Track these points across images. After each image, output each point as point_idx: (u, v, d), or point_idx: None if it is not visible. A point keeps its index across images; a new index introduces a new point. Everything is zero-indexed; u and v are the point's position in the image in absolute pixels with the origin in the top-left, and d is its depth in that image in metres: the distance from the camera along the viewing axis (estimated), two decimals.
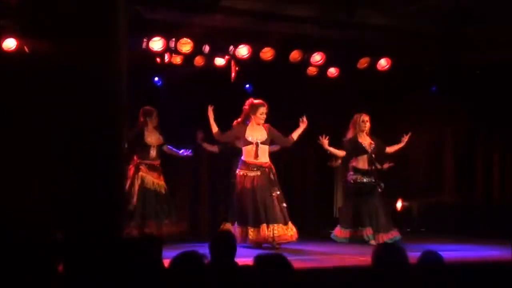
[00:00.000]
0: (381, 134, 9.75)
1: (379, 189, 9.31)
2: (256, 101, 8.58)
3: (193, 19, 8.22)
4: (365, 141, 9.41)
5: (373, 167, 9.36)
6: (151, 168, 9.02)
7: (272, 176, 8.51)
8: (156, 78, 10.18)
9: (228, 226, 8.74)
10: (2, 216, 3.01)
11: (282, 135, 8.72)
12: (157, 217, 8.92)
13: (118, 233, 5.55)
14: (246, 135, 8.50)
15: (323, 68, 9.90)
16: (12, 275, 3.08)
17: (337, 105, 11.15)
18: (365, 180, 9.34)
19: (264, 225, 8.29)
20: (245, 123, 8.61)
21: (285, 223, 8.37)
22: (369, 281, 3.95)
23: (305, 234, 10.04)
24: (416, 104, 11.05)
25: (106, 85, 5.63)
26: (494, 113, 10.70)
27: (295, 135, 8.68)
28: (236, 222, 8.52)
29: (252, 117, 8.56)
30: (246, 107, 8.62)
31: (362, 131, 9.37)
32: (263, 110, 8.52)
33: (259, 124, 8.56)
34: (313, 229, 10.98)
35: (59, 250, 4.11)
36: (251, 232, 8.33)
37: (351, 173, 9.41)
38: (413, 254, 4.11)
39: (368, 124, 9.37)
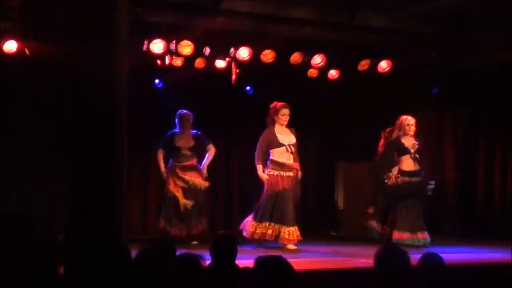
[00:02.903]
0: (380, 136, 9.75)
1: (427, 190, 9.32)
2: (279, 103, 8.80)
3: (194, 21, 8.22)
4: (408, 142, 9.35)
5: (419, 168, 9.30)
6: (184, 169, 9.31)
7: (298, 178, 8.80)
8: (157, 81, 10.19)
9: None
10: (3, 217, 3.01)
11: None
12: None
13: (119, 236, 5.55)
14: (278, 138, 8.73)
15: (323, 70, 9.90)
16: (13, 277, 3.09)
17: (337, 107, 11.16)
18: (411, 179, 9.25)
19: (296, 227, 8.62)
20: (269, 126, 8.82)
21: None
22: (370, 283, 3.95)
23: (306, 235, 10.05)
24: (417, 106, 11.06)
25: (107, 87, 5.63)
26: (495, 114, 10.70)
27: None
28: (264, 220, 8.62)
29: (276, 119, 8.75)
30: (270, 110, 8.82)
31: (406, 134, 9.33)
32: (285, 111, 8.75)
33: (282, 125, 8.77)
34: (314, 230, 10.99)
35: (60, 252, 4.11)
36: (286, 232, 8.53)
37: (395, 174, 9.28)
38: (414, 256, 4.11)
39: (413, 128, 9.33)
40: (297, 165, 8.77)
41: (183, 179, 9.23)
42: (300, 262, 6.57)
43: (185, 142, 9.31)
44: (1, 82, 8.91)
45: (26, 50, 8.42)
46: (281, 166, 8.69)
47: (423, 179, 9.30)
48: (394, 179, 9.19)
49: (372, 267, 3.88)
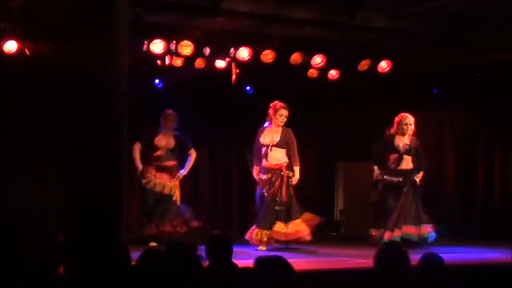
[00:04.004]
0: (380, 136, 9.76)
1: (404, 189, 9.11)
2: (279, 103, 8.68)
3: (194, 22, 8.22)
4: (401, 141, 9.18)
5: (402, 168, 9.14)
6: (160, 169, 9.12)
7: (280, 179, 8.54)
8: (157, 81, 10.19)
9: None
10: (3, 217, 3.01)
11: (295, 149, 8.73)
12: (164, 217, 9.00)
13: (119, 235, 5.55)
14: (260, 137, 8.67)
15: (323, 70, 9.90)
16: (12, 276, 3.09)
17: (337, 107, 11.16)
18: (394, 179, 9.12)
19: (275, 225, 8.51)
20: (264, 125, 8.73)
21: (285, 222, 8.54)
22: (370, 283, 3.95)
23: None
24: (417, 106, 11.07)
25: (107, 88, 5.64)
26: (494, 114, 10.71)
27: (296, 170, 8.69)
28: (255, 225, 8.64)
29: (273, 118, 8.66)
30: (270, 109, 8.71)
31: (404, 134, 9.14)
32: (282, 112, 8.61)
33: (278, 126, 8.65)
34: (314, 230, 10.96)
35: (60, 251, 4.11)
36: (264, 236, 8.47)
37: (384, 171, 9.19)
38: (414, 256, 4.11)
39: (411, 127, 9.13)
40: (278, 166, 8.59)
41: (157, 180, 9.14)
42: (300, 262, 6.58)
43: (167, 142, 9.21)
44: (1, 82, 8.91)
45: (26, 50, 8.42)
46: (263, 169, 8.66)
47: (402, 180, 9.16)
48: (380, 176, 9.14)
49: (372, 267, 3.88)
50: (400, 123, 9.15)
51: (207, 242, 4.69)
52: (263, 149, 8.66)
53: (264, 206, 8.57)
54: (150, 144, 9.13)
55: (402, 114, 9.20)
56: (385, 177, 9.16)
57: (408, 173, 9.16)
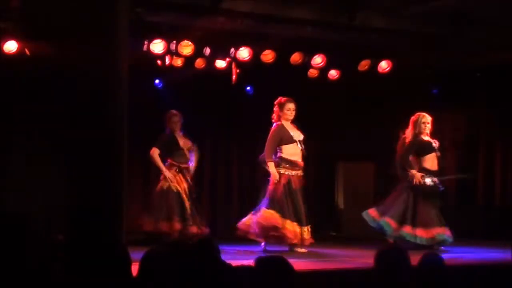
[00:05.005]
0: (380, 136, 9.75)
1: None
2: (283, 98, 8.44)
3: (194, 22, 8.23)
4: (431, 140, 8.90)
5: (439, 168, 8.92)
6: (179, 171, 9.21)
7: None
8: (157, 81, 10.19)
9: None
10: (3, 217, 3.02)
11: None
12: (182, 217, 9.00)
13: (119, 236, 5.55)
14: (291, 133, 8.35)
15: (324, 70, 9.90)
16: (12, 276, 3.09)
17: (337, 107, 11.16)
18: (432, 182, 8.83)
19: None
20: (277, 122, 8.43)
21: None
22: (370, 283, 3.95)
23: None
24: (417, 106, 11.07)
25: (107, 88, 5.64)
26: (495, 114, 10.70)
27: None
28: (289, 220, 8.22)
29: (281, 114, 8.38)
30: (275, 106, 8.44)
31: (422, 133, 8.84)
32: (290, 106, 8.36)
33: (288, 121, 8.38)
34: (314, 230, 10.96)
35: (60, 251, 4.11)
36: (305, 233, 8.26)
37: (421, 174, 8.79)
38: (414, 256, 4.11)
39: (429, 126, 8.85)
40: (302, 164, 8.38)
41: (184, 179, 9.18)
42: (300, 262, 6.57)
43: (183, 142, 9.26)
44: (1, 82, 8.91)
45: (26, 50, 8.42)
46: (292, 164, 8.27)
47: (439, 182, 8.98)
48: (419, 179, 8.78)
49: (372, 267, 3.89)
50: (416, 122, 8.88)
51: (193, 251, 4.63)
52: (295, 146, 8.32)
53: (300, 201, 8.32)
54: (172, 147, 9.14)
55: (418, 113, 8.93)
56: (426, 180, 8.81)
57: (440, 174, 8.98)
